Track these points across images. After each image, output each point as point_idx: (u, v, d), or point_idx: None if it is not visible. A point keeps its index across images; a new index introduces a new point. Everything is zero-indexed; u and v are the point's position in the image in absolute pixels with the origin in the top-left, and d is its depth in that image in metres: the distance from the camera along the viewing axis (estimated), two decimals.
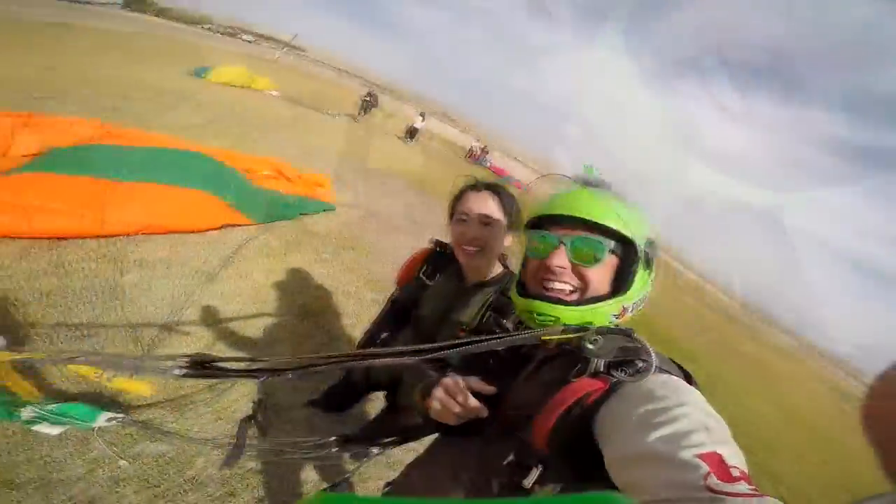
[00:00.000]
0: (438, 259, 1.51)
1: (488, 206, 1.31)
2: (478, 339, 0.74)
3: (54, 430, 1.57)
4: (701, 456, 0.49)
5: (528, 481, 0.68)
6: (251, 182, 4.23)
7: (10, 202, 2.55)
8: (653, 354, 0.62)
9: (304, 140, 8.41)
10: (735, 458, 0.51)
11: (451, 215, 1.39)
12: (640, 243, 0.77)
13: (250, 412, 1.06)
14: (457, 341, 0.76)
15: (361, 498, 0.82)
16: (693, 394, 0.62)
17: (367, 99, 16.96)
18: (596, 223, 0.76)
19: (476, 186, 1.36)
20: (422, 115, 18.39)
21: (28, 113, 4.19)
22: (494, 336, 0.74)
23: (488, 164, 24.46)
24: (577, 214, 0.77)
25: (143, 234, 2.93)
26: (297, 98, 14.27)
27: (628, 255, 0.78)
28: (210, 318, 2.53)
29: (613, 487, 0.58)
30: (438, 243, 1.54)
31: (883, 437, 0.27)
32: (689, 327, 12.24)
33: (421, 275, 1.49)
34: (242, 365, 0.97)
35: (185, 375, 0.95)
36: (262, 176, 4.71)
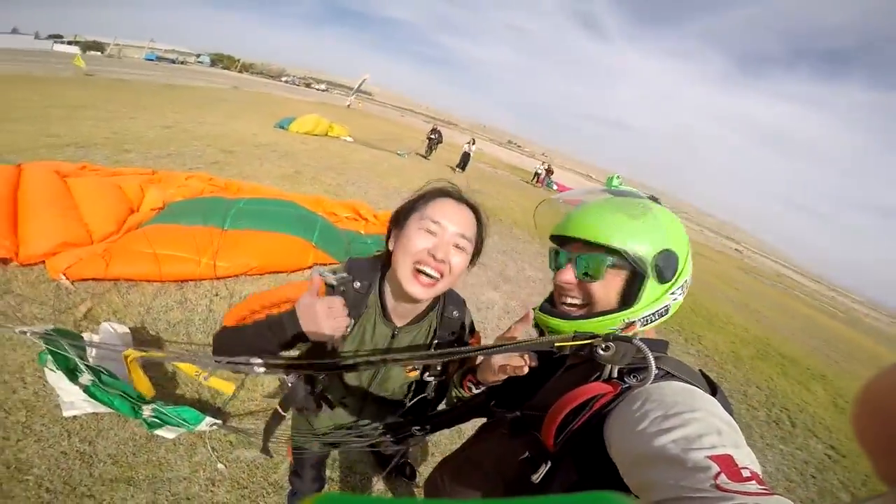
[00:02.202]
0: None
1: (468, 224, 0.97)
2: (497, 345, 0.79)
3: (171, 435, 1.92)
4: (712, 457, 0.51)
5: (537, 477, 0.73)
6: (334, 224, 4.72)
7: (144, 252, 3.10)
8: (652, 360, 0.64)
9: (382, 181, 9.08)
10: (747, 460, 0.52)
11: (404, 220, 1.00)
12: (648, 257, 0.76)
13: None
14: (479, 346, 0.83)
15: (361, 498, 0.82)
16: (707, 401, 0.63)
17: (433, 137, 17.77)
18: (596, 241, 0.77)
19: (454, 196, 1.00)
20: (471, 141, 17.80)
21: (152, 170, 5.08)
22: (514, 343, 0.79)
23: (555, 186, 24.11)
24: (576, 234, 0.79)
25: (248, 275, 3.41)
26: (369, 141, 15.48)
27: (637, 269, 0.77)
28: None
29: (618, 489, 0.60)
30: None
31: (875, 442, 0.27)
32: None
33: None
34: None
35: (265, 372, 0.94)
36: (343, 218, 5.20)
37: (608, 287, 0.79)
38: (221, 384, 2.09)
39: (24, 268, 2.83)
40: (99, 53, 49.64)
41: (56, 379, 1.90)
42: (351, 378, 1.13)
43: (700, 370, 0.77)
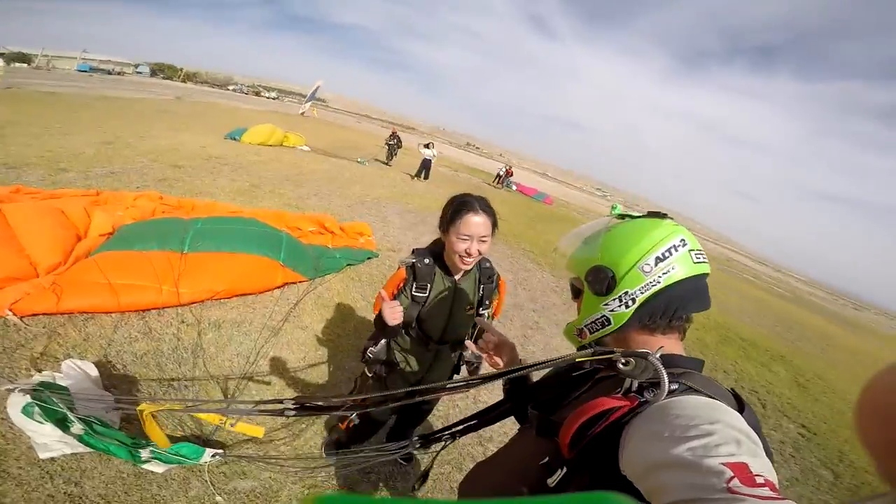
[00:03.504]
0: (420, 273, 1.72)
1: (486, 226, 1.62)
2: (527, 366, 0.95)
3: (160, 469, 1.91)
4: (727, 464, 0.53)
5: (552, 481, 0.78)
6: (299, 240, 4.64)
7: (99, 282, 2.96)
8: (664, 376, 0.69)
9: (344, 191, 9.05)
10: (763, 469, 0.54)
11: (448, 227, 1.64)
12: (581, 274, 0.92)
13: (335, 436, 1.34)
14: (514, 368, 0.97)
15: (361, 498, 0.86)
16: (729, 414, 0.65)
17: (392, 143, 17.72)
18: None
19: (475, 209, 1.61)
20: (429, 144, 16.28)
21: (95, 191, 4.84)
22: (543, 362, 0.92)
23: (514, 188, 25.04)
24: (567, 267, 1.00)
25: (214, 299, 3.32)
26: (327, 150, 15.35)
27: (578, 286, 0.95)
28: (279, 366, 2.89)
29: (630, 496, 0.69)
30: (417, 258, 1.75)
31: (878, 442, 0.27)
32: None
33: (413, 291, 1.73)
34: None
35: (295, 416, 1.26)
36: (307, 233, 5.13)
37: (579, 303, 0.96)
38: (250, 429, 2.07)
39: None
40: (25, 65, 46.79)
41: (24, 422, 1.85)
42: (431, 328, 1.80)
43: (732, 389, 0.80)
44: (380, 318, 1.60)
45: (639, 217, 0.94)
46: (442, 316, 1.79)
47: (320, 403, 1.34)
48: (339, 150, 16.30)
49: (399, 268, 1.75)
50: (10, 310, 2.65)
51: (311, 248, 4.66)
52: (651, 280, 0.83)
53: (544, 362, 0.92)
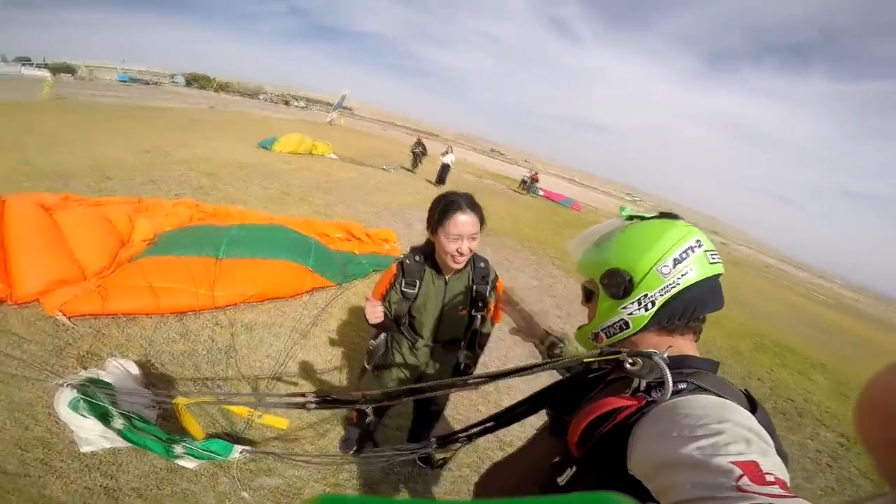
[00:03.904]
0: (408, 269, 1.78)
1: (475, 224, 1.65)
2: (529, 365, 0.96)
3: (191, 464, 2.02)
4: (736, 462, 0.53)
5: (562, 480, 0.79)
6: (327, 247, 4.81)
7: (141, 286, 3.16)
8: (668, 376, 0.69)
9: (370, 198, 9.27)
10: (773, 467, 0.54)
11: (436, 227, 1.66)
12: (595, 277, 0.91)
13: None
14: (524, 365, 0.98)
15: (361, 498, 0.87)
16: (739, 413, 0.65)
17: (417, 150, 17.99)
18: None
19: (462, 208, 1.63)
20: (447, 150, 16.45)
21: (137, 198, 5.12)
22: (548, 362, 0.95)
23: (540, 193, 24.74)
24: (578, 269, 1.00)
25: (247, 303, 3.49)
26: (354, 158, 15.69)
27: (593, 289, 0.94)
28: (307, 368, 3.03)
29: (638, 496, 0.64)
30: (409, 255, 1.82)
31: (878, 441, 0.28)
32: None
33: (402, 287, 1.78)
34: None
35: (316, 408, 1.34)
36: (335, 239, 5.29)
37: (591, 307, 0.95)
38: (275, 420, 2.19)
39: (19, 306, 2.87)
40: (70, 76, 49.45)
41: (69, 416, 2.00)
42: (422, 326, 1.85)
43: (745, 390, 0.80)
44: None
45: (650, 218, 0.93)
46: (432, 314, 1.83)
47: (339, 398, 1.41)
48: (365, 158, 16.64)
49: (392, 264, 1.83)
50: (60, 311, 2.85)
51: (339, 255, 4.80)
52: (670, 282, 0.82)
53: (551, 362, 0.95)
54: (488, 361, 3.61)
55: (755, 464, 0.53)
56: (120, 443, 1.99)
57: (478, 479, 1.24)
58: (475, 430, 1.22)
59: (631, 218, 0.95)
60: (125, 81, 53.63)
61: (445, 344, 1.92)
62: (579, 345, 1.06)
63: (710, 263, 0.85)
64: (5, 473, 1.83)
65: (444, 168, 15.48)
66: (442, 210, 1.65)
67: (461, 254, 1.65)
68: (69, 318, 2.85)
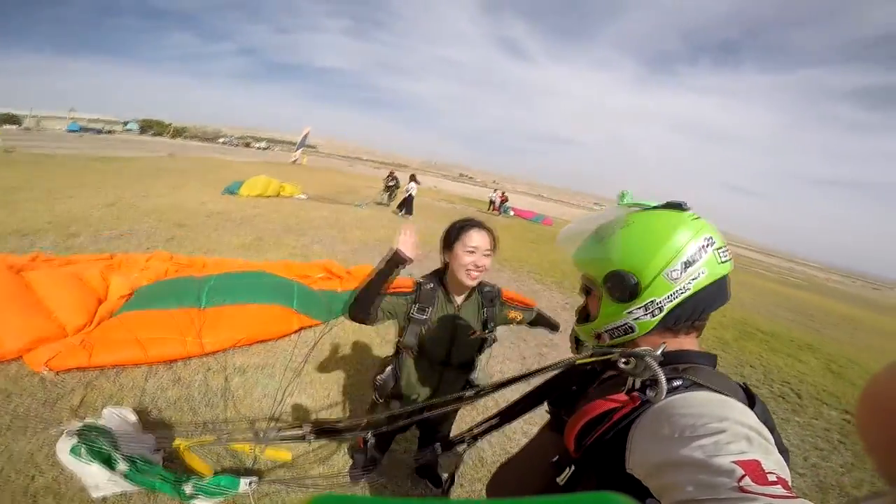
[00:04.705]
0: (423, 294, 1.83)
1: (489, 241, 1.79)
2: (528, 373, 0.98)
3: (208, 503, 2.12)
4: (738, 462, 0.53)
5: (561, 479, 0.80)
6: (309, 287, 4.94)
7: (126, 339, 3.22)
8: (661, 376, 0.69)
9: (346, 235, 9.45)
10: (775, 466, 0.54)
11: (453, 243, 1.78)
12: (598, 278, 0.88)
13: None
14: (520, 374, 1.02)
15: (361, 498, 0.86)
16: (738, 410, 0.65)
17: (391, 183, 18.32)
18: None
19: (479, 226, 1.80)
20: (410, 178, 16.81)
21: (109, 254, 5.16)
22: (542, 367, 0.95)
23: (511, 213, 25.55)
24: (575, 263, 0.97)
25: (236, 347, 3.58)
26: (324, 196, 15.96)
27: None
28: (304, 403, 3.13)
29: (637, 495, 0.66)
30: (423, 280, 1.89)
31: (878, 440, 0.28)
32: None
33: (414, 312, 1.82)
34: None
35: (316, 438, 1.41)
36: (316, 279, 5.42)
37: (592, 302, 0.94)
38: (278, 454, 2.30)
39: (2, 364, 2.91)
40: (15, 127, 48.40)
41: (76, 464, 2.10)
42: (433, 352, 1.89)
43: (743, 384, 0.82)
44: (358, 307, 1.76)
45: (655, 208, 0.89)
46: (444, 339, 1.88)
47: (336, 426, 1.47)
48: (335, 196, 16.91)
49: (410, 279, 1.88)
50: (46, 366, 2.90)
51: (322, 294, 4.94)
52: (679, 288, 0.80)
53: (546, 368, 0.95)
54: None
55: (757, 463, 0.53)
56: (129, 487, 2.07)
57: (488, 482, 1.25)
58: (480, 429, 1.25)
59: (634, 206, 0.92)
60: (76, 131, 52.92)
61: (457, 369, 1.98)
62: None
63: (721, 263, 0.82)
64: None
65: (409, 198, 15.83)
66: (459, 228, 1.80)
67: (477, 267, 1.76)
68: (56, 373, 2.90)
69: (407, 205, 15.61)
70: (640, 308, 0.83)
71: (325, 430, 1.50)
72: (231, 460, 2.40)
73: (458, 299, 1.89)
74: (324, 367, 3.65)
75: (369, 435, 2.08)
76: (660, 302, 0.82)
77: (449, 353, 1.92)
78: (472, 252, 1.76)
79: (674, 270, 0.80)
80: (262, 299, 4.11)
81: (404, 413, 1.54)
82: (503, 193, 26.85)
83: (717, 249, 0.82)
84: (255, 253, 6.76)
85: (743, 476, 0.51)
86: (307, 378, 3.41)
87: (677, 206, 0.87)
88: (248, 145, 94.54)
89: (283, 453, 2.30)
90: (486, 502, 1.06)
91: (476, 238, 1.76)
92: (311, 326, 4.24)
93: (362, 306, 1.77)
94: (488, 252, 1.79)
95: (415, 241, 1.77)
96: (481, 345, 1.99)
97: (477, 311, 1.92)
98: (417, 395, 1.99)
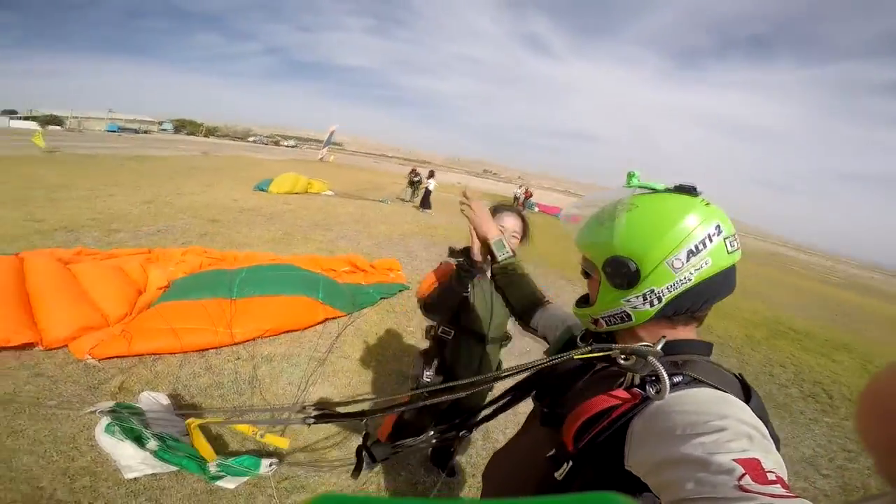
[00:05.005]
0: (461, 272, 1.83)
1: (518, 225, 1.90)
2: (526, 365, 0.95)
3: (231, 485, 2.24)
4: (738, 460, 0.53)
5: (559, 474, 0.79)
6: (334, 280, 5.10)
7: (162, 328, 3.41)
8: (665, 375, 0.68)
9: (371, 230, 9.67)
10: (774, 464, 0.54)
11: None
12: (597, 262, 0.86)
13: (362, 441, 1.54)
14: (517, 367, 0.97)
15: (361, 498, 0.93)
16: (738, 407, 0.65)
17: (415, 179, 18.50)
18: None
19: (511, 209, 1.93)
20: (428, 175, 17.21)
21: (147, 249, 5.43)
22: (540, 360, 0.91)
23: (536, 209, 25.36)
24: (576, 245, 0.93)
25: (264, 337, 3.75)
26: (350, 193, 16.27)
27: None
28: (327, 392, 3.25)
29: (636, 492, 0.67)
30: (457, 261, 1.84)
31: (879, 441, 0.28)
32: None
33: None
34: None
35: (315, 422, 1.34)
36: (341, 273, 5.59)
37: (591, 286, 0.91)
38: (276, 440, 2.41)
39: (49, 352, 3.12)
40: (59, 127, 50.76)
41: (112, 446, 2.25)
42: (476, 327, 1.99)
43: (739, 375, 0.79)
44: (439, 297, 1.81)
45: (664, 191, 0.85)
46: (486, 312, 1.99)
47: (339, 410, 1.41)
48: (361, 192, 17.24)
49: (447, 263, 1.89)
50: (90, 354, 3.10)
51: (346, 287, 5.07)
52: (681, 278, 0.76)
53: (544, 361, 0.91)
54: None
55: (757, 461, 0.53)
56: (160, 468, 2.20)
57: (484, 469, 1.25)
58: (478, 418, 1.25)
59: (642, 188, 0.87)
60: (114, 131, 55.18)
61: (495, 342, 2.08)
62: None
63: (729, 252, 0.78)
64: (57, 501, 2.03)
65: (427, 193, 16.13)
66: (493, 210, 1.87)
67: None
68: (98, 360, 3.09)
69: (425, 200, 15.86)
70: (638, 297, 0.80)
71: (326, 415, 1.43)
72: (255, 444, 2.52)
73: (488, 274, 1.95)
74: (347, 358, 3.76)
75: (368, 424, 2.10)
76: (659, 292, 0.78)
77: (489, 327, 2.02)
78: (503, 231, 1.78)
79: (677, 259, 0.76)
80: (289, 291, 4.27)
81: (413, 399, 1.64)
82: (528, 189, 26.71)
83: (727, 238, 0.77)
84: (284, 247, 6.97)
85: (743, 475, 0.51)
86: (330, 368, 3.53)
87: (688, 191, 0.83)
88: (277, 144, 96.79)
89: (281, 440, 2.41)
90: (486, 502, 1.05)
91: (507, 220, 1.88)
92: (335, 318, 4.38)
93: (440, 310, 1.94)
94: (516, 234, 1.90)
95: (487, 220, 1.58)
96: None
97: None
98: (462, 375, 2.02)
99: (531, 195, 26.19)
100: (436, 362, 2.05)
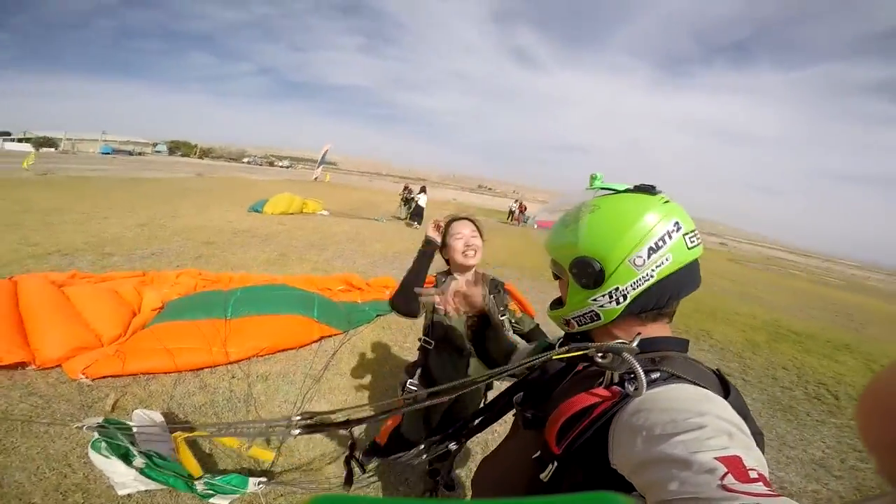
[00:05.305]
0: (438, 285, 2.03)
1: (471, 227, 2.03)
2: (507, 368, 0.93)
3: (223, 502, 2.24)
4: (720, 458, 0.53)
5: (545, 475, 0.78)
6: (330, 299, 5.12)
7: (157, 348, 3.42)
8: (640, 371, 0.68)
9: (366, 249, 9.72)
10: (755, 462, 0.55)
11: (445, 239, 2.02)
12: (564, 263, 0.88)
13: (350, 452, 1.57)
14: (497, 370, 0.97)
15: (361, 498, 0.88)
16: (717, 404, 0.65)
17: (409, 196, 18.74)
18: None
19: (459, 218, 2.07)
20: (419, 190, 18.06)
21: (142, 272, 5.45)
22: (520, 363, 0.89)
23: (535, 225, 25.29)
24: (546, 248, 0.96)
25: (259, 356, 3.75)
26: (345, 212, 16.39)
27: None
28: (323, 409, 3.21)
29: (622, 489, 0.66)
30: (438, 276, 2.11)
31: (879, 441, 0.28)
32: None
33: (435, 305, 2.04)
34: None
35: (301, 433, 1.33)
36: (336, 292, 5.61)
37: (562, 288, 0.94)
38: (261, 453, 2.42)
39: (43, 371, 3.13)
40: (52, 149, 50.80)
41: (104, 463, 2.26)
42: (454, 345, 2.04)
43: (716, 370, 0.80)
44: (401, 293, 1.95)
45: (624, 191, 0.88)
46: (461, 325, 2.05)
47: (325, 421, 1.47)
48: (356, 211, 17.34)
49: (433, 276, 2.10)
50: (83, 373, 3.11)
51: (342, 305, 5.10)
52: (644, 275, 0.79)
53: (523, 363, 0.92)
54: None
55: (738, 459, 0.53)
56: (153, 485, 2.21)
57: (472, 479, 1.24)
58: (464, 435, 1.24)
59: (604, 189, 0.91)
60: (108, 153, 55.18)
61: (478, 356, 2.11)
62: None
63: (689, 248, 0.81)
64: None
65: (418, 208, 16.65)
66: (446, 225, 2.05)
67: (468, 246, 1.97)
68: (92, 380, 3.10)
69: (417, 214, 16.42)
70: (604, 295, 0.83)
71: (312, 425, 1.43)
72: (246, 462, 2.53)
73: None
74: (343, 375, 3.77)
75: (354, 432, 2.13)
76: (623, 289, 0.81)
77: (465, 340, 2.06)
78: (460, 237, 1.99)
79: (638, 257, 0.79)
80: (284, 310, 4.29)
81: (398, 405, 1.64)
82: (522, 203, 26.98)
83: (686, 234, 0.81)
84: (280, 268, 7.00)
85: (726, 474, 0.51)
86: (326, 385, 3.54)
87: (647, 190, 0.86)
88: (271, 164, 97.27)
89: (265, 453, 2.43)
90: (486, 502, 1.04)
91: (458, 226, 2.02)
92: (331, 336, 4.40)
93: (405, 295, 1.94)
94: (475, 234, 2.02)
95: (440, 226, 2.00)
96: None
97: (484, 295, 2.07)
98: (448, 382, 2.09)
99: (525, 209, 26.42)
100: (419, 371, 2.15)
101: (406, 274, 1.98)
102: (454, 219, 2.08)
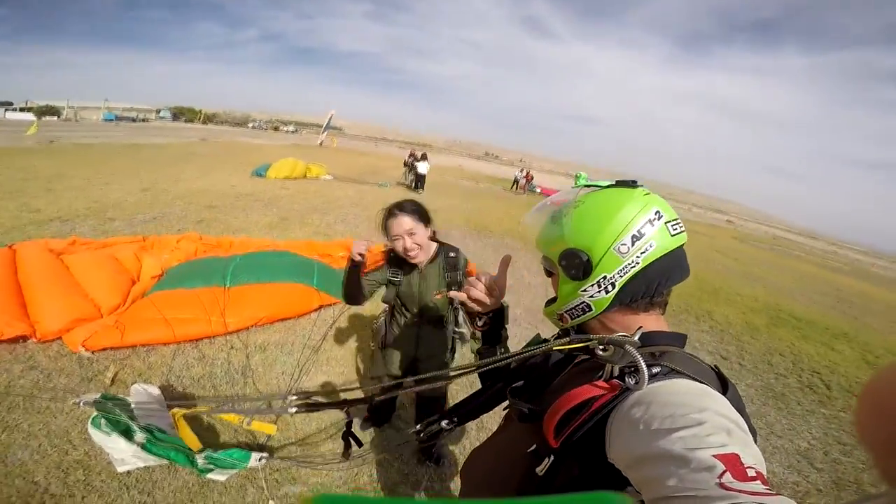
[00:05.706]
0: (394, 260, 2.11)
1: (407, 223, 1.93)
2: (505, 356, 0.97)
3: (222, 477, 2.22)
4: (718, 456, 0.53)
5: (541, 469, 0.79)
6: (329, 266, 5.05)
7: (156, 318, 3.39)
8: (643, 365, 0.68)
9: (369, 214, 9.54)
10: (753, 460, 0.54)
11: (385, 235, 2.01)
12: (554, 257, 0.90)
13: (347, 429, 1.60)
14: (495, 358, 0.98)
15: (361, 497, 0.89)
16: (716, 400, 0.65)
17: (411, 161, 18.27)
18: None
19: (393, 213, 1.94)
20: (421, 157, 17.42)
21: (142, 237, 5.39)
22: (521, 351, 0.94)
23: (538, 191, 25.46)
24: (537, 246, 0.98)
25: (258, 325, 3.72)
26: (349, 177, 16.17)
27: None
28: (320, 381, 3.23)
29: (619, 485, 0.66)
30: (389, 248, 2.12)
31: (878, 440, 0.28)
32: None
33: (390, 276, 2.12)
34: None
35: (297, 411, 1.43)
36: (337, 258, 5.54)
37: (554, 283, 0.95)
38: (263, 426, 2.39)
39: (43, 344, 3.11)
40: (55, 118, 50.48)
41: (103, 439, 2.21)
42: (408, 308, 2.18)
43: (714, 366, 0.81)
44: (345, 297, 2.08)
45: (607, 187, 0.90)
46: (414, 298, 2.14)
47: (322, 400, 1.52)
48: (360, 176, 17.12)
49: (381, 245, 2.20)
50: (83, 346, 3.08)
51: (342, 272, 5.03)
52: (629, 262, 0.81)
53: (522, 352, 0.94)
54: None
55: (736, 456, 0.53)
56: (153, 461, 2.18)
57: (462, 465, 1.22)
58: (457, 417, 1.24)
59: (588, 187, 0.92)
60: (111, 120, 54.78)
61: (431, 323, 2.22)
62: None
63: (672, 235, 0.83)
64: (51, 495, 2.04)
65: (420, 176, 16.49)
66: (383, 219, 2.00)
67: (407, 249, 1.95)
68: (92, 352, 3.08)
69: (417, 181, 16.44)
70: (593, 285, 0.85)
71: (308, 404, 1.52)
72: (246, 436, 2.52)
73: (421, 266, 2.09)
74: (341, 344, 3.74)
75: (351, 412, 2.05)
76: (611, 277, 0.83)
77: (421, 311, 2.16)
78: (397, 238, 1.94)
79: (622, 245, 0.81)
80: (283, 278, 4.23)
81: (392, 386, 1.90)
82: (528, 173, 26.59)
83: (668, 223, 0.83)
84: (281, 232, 6.94)
85: (724, 472, 0.51)
86: (324, 355, 3.51)
87: (628, 184, 0.89)
88: (276, 129, 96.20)
89: (268, 426, 2.40)
90: (486, 502, 1.03)
91: (395, 226, 1.94)
92: (330, 304, 4.35)
93: (351, 296, 2.10)
94: (412, 231, 1.94)
95: (365, 246, 1.95)
96: (451, 303, 2.21)
97: (439, 274, 2.10)
98: (403, 345, 2.28)
99: (532, 178, 26.11)
100: (382, 319, 2.32)
101: (344, 283, 2.05)
102: (387, 215, 1.99)
